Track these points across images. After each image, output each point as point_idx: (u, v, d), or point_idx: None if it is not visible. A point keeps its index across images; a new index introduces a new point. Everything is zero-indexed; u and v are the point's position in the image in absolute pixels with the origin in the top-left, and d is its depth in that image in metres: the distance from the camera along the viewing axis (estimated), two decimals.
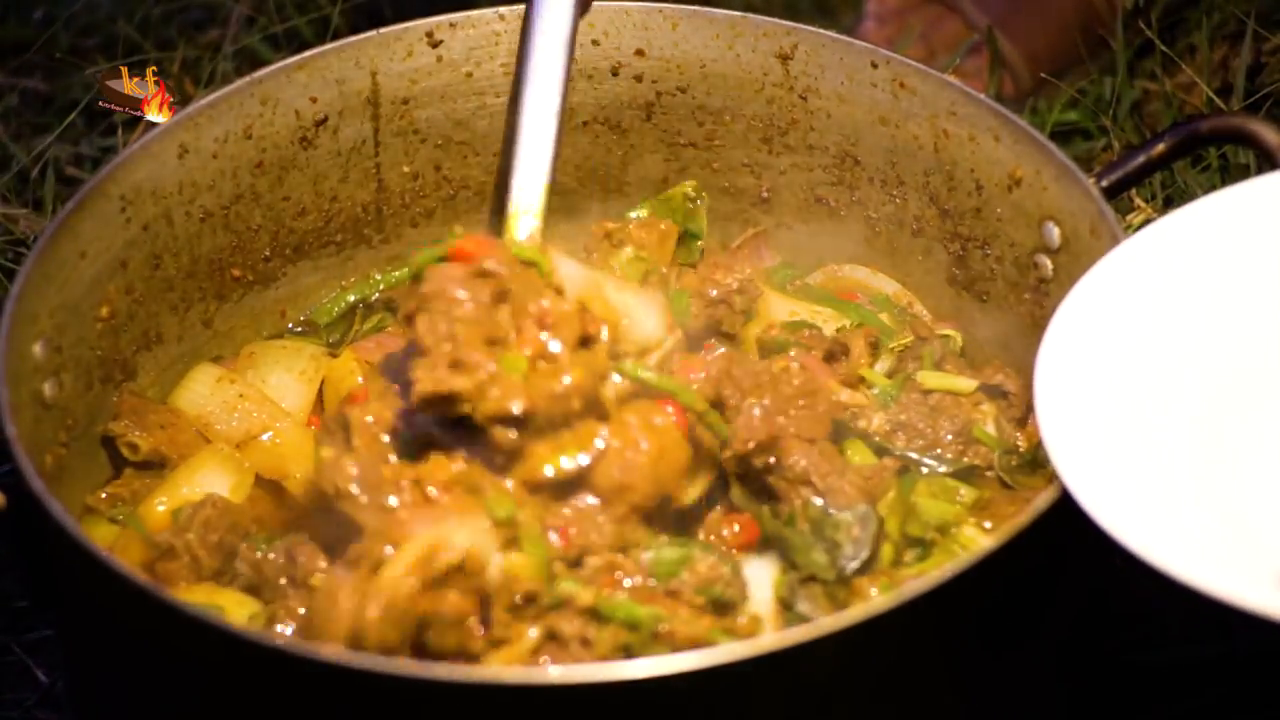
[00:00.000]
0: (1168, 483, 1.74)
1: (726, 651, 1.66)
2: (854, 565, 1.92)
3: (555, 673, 1.75)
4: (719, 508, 2.02)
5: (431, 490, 1.85)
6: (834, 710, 1.76)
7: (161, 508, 2.07)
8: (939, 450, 2.10)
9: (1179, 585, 1.62)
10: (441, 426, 1.89)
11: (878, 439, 2.09)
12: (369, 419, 1.92)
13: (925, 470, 2.08)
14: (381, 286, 2.37)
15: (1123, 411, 1.80)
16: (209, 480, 2.09)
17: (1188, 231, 1.93)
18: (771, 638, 1.70)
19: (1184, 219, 1.94)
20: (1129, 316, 1.88)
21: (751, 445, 1.95)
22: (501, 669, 1.81)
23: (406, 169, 2.35)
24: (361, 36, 2.28)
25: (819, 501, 1.96)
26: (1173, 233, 1.93)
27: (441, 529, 1.81)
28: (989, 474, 2.09)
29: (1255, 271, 1.90)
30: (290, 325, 2.34)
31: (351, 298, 2.36)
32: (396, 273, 2.38)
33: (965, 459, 2.09)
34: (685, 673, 1.64)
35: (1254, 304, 1.88)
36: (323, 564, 1.94)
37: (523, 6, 2.30)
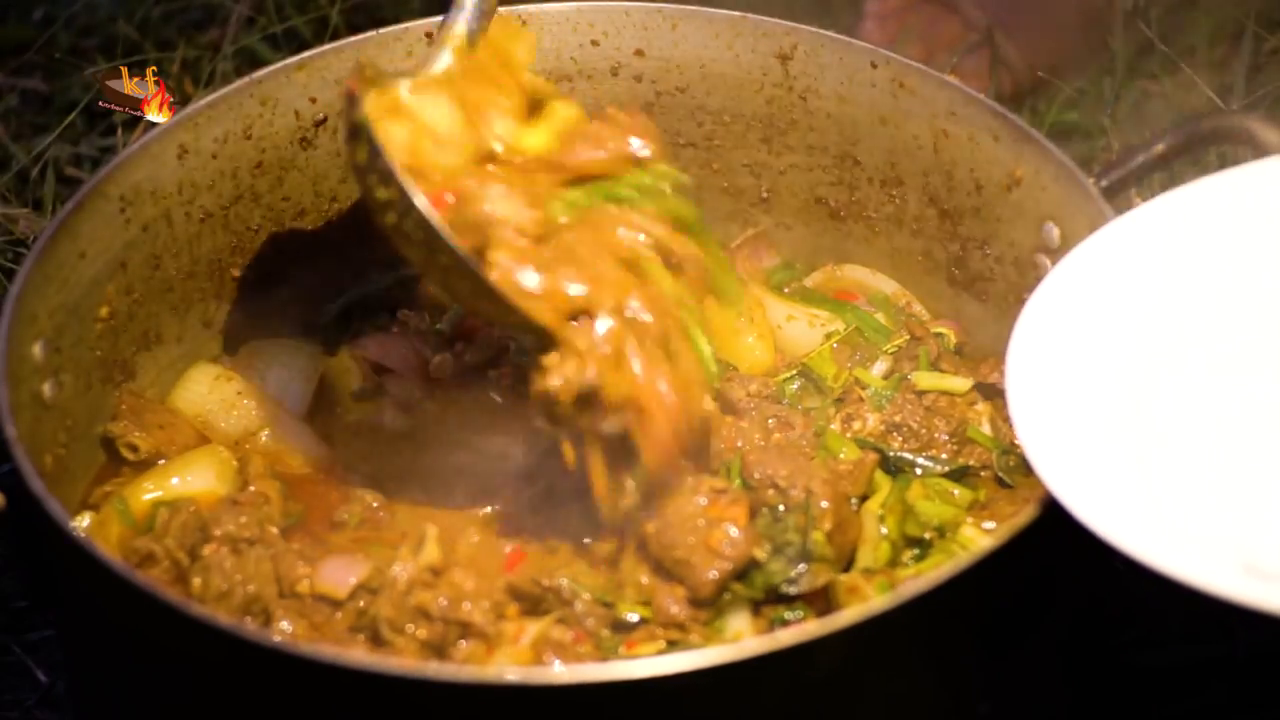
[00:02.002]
0: (1138, 470, 1.74)
1: (727, 651, 1.66)
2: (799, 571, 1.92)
3: (556, 672, 1.76)
4: None
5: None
6: (833, 710, 1.76)
7: (147, 496, 2.08)
8: (934, 451, 2.10)
9: (1152, 573, 1.62)
10: None
11: (872, 440, 2.09)
12: None
13: (920, 471, 2.08)
14: (381, 287, 2.37)
15: (1095, 399, 1.80)
16: (199, 474, 2.10)
17: (1161, 221, 1.94)
18: (771, 638, 1.69)
19: (1157, 209, 1.95)
20: (1099, 307, 1.88)
21: None
22: (502, 669, 1.82)
23: None
24: (361, 37, 2.28)
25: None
26: (1146, 222, 1.94)
27: None
28: (984, 474, 2.09)
29: (1230, 261, 1.91)
30: (290, 325, 2.34)
31: (351, 299, 2.36)
32: (396, 273, 2.38)
33: (960, 459, 2.09)
34: (685, 673, 1.64)
35: (1228, 293, 1.89)
36: (306, 571, 1.95)
37: (523, 8, 2.31)
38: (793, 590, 1.90)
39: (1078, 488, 1.71)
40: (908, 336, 2.21)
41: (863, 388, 2.16)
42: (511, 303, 1.90)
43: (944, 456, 2.09)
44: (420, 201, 1.88)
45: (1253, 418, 1.80)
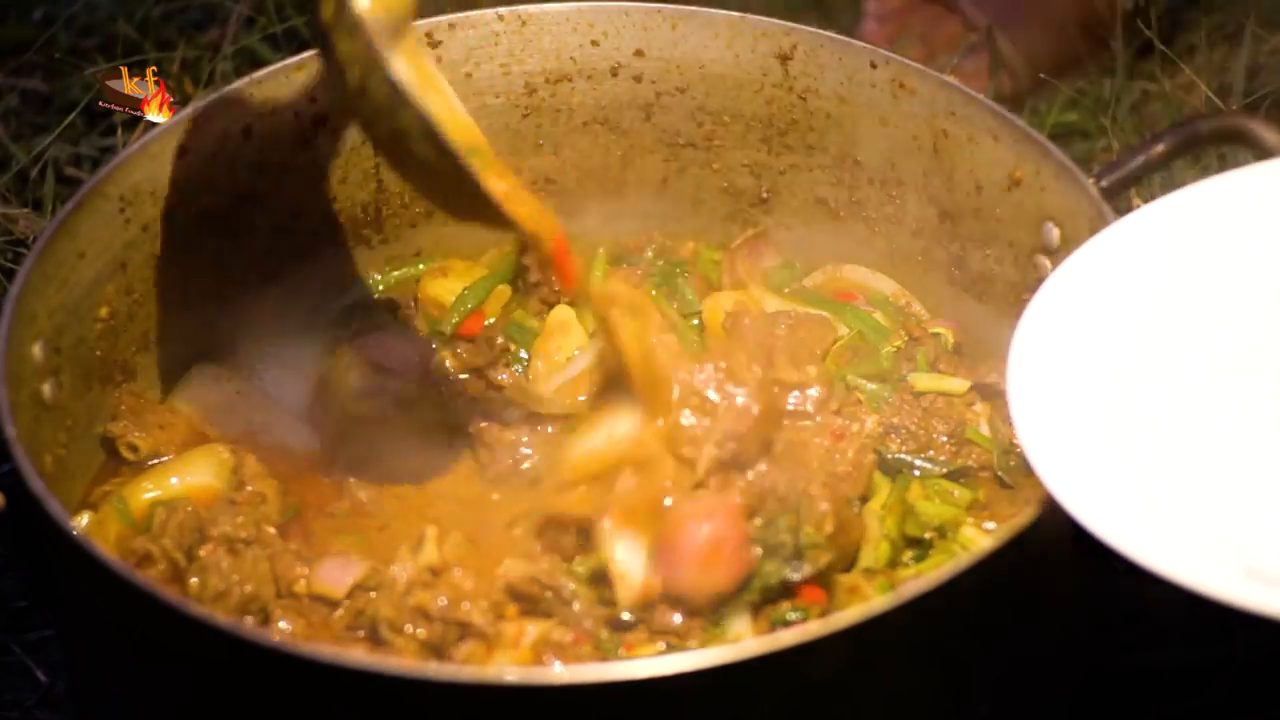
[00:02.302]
0: (1138, 472, 1.74)
1: (727, 652, 1.66)
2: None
3: (556, 672, 1.75)
4: None
5: None
6: (834, 710, 1.76)
7: (147, 495, 2.07)
8: (932, 452, 2.09)
9: (1152, 575, 1.62)
10: None
11: (870, 442, 2.08)
12: None
13: (919, 473, 2.08)
14: (381, 287, 2.37)
15: (1096, 402, 1.80)
16: (198, 473, 2.09)
17: (1160, 223, 1.94)
18: (771, 638, 1.69)
19: (1158, 212, 1.95)
20: (1101, 310, 1.88)
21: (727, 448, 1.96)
22: (502, 669, 1.82)
23: None
24: None
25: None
26: (1147, 225, 1.94)
27: None
28: (983, 474, 2.09)
29: (1231, 263, 1.91)
30: (290, 325, 2.33)
31: (351, 299, 2.36)
32: (396, 273, 2.38)
33: (959, 460, 2.09)
34: (685, 673, 1.64)
35: (1229, 296, 1.89)
36: (303, 571, 1.95)
37: (523, 8, 2.31)
38: (795, 577, 1.89)
39: (1077, 489, 1.70)
40: (906, 337, 2.21)
41: (861, 390, 2.15)
42: (470, 171, 1.89)
43: (942, 458, 2.09)
44: (387, 54, 1.87)
45: (1254, 420, 1.80)
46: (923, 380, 2.15)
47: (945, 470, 2.08)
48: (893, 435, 2.10)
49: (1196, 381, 1.84)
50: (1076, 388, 1.82)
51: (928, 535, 2.01)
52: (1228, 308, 1.89)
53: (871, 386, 2.15)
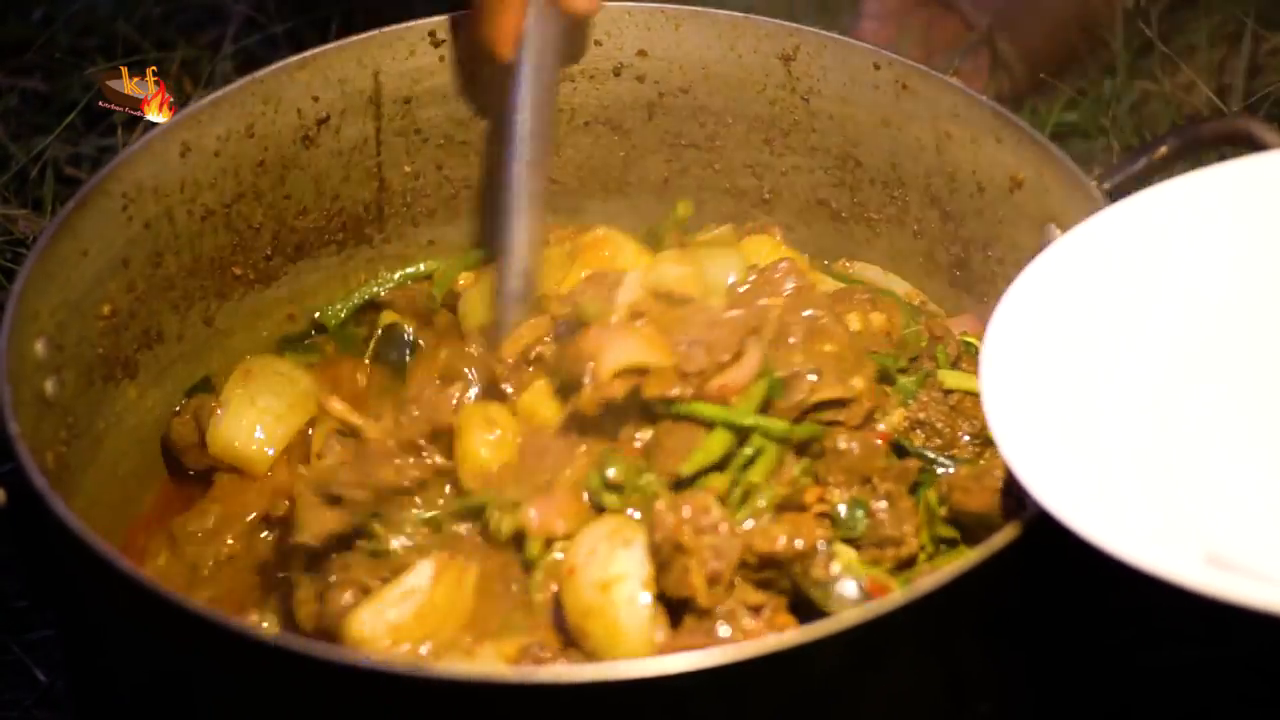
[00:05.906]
0: (1106, 460, 1.75)
1: (727, 651, 1.66)
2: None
3: (555, 672, 1.75)
4: None
5: None
6: (834, 710, 1.76)
7: None
8: (955, 451, 2.07)
9: (1117, 560, 1.62)
10: None
11: (895, 435, 2.06)
12: None
13: (941, 471, 2.06)
14: (389, 286, 2.37)
15: (1065, 389, 1.81)
16: None
17: (1134, 219, 1.94)
18: (771, 639, 1.69)
19: (1135, 205, 1.95)
20: (1073, 300, 1.89)
21: None
22: (501, 669, 1.82)
23: (408, 168, 2.36)
24: (364, 35, 2.28)
25: None
26: (1119, 221, 1.94)
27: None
28: None
29: (1196, 257, 1.92)
30: (301, 329, 2.33)
31: (359, 299, 2.35)
32: (398, 272, 2.38)
33: (980, 462, 2.07)
34: (685, 673, 1.64)
35: (1194, 288, 1.90)
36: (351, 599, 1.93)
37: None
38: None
39: (1042, 472, 1.71)
40: (928, 335, 2.19)
41: (888, 383, 2.13)
42: None
43: (965, 458, 2.06)
44: None
45: (1218, 409, 1.81)
46: (951, 378, 2.11)
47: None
48: (918, 430, 2.07)
49: (1162, 371, 1.84)
50: (1046, 374, 1.83)
51: (953, 535, 1.98)
52: (1195, 299, 1.89)
53: (898, 382, 2.13)
